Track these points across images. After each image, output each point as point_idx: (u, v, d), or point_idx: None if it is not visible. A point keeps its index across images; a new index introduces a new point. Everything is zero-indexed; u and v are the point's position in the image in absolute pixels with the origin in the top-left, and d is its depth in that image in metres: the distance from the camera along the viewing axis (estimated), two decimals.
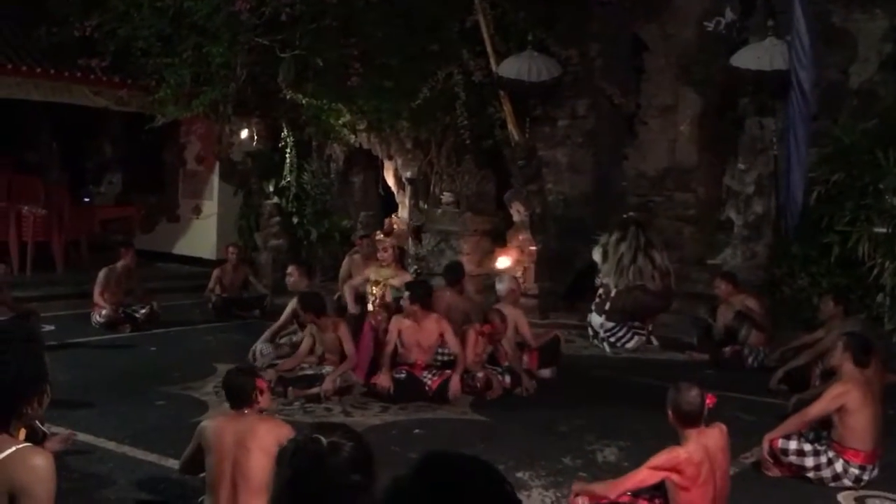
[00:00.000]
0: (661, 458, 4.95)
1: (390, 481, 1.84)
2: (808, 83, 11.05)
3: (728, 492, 5.12)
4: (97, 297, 11.03)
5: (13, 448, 2.63)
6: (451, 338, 8.54)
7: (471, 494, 1.79)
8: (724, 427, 5.10)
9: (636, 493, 5.15)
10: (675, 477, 4.89)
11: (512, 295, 9.52)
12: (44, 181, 14.64)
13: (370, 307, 9.52)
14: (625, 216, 11.82)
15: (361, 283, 10.05)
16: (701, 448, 4.88)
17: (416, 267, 12.96)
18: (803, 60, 10.99)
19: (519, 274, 12.32)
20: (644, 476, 5.01)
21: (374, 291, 9.74)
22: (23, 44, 13.08)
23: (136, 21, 12.62)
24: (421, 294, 8.53)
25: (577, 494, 5.24)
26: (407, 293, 8.56)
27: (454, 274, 9.99)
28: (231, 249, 12.66)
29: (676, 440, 5.02)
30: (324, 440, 2.26)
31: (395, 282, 9.61)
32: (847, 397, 6.24)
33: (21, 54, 12.88)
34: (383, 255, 9.95)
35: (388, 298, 9.57)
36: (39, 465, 2.62)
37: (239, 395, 4.97)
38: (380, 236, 13.27)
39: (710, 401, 4.92)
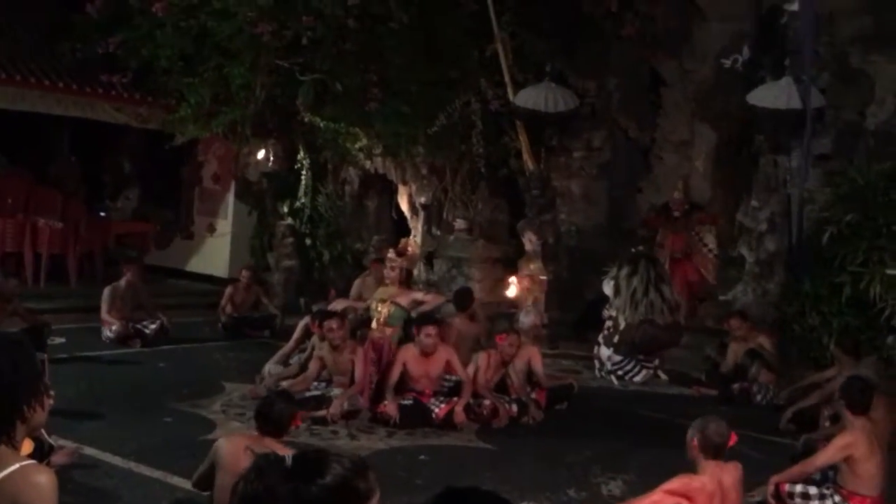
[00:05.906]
0: (675, 483, 4.96)
1: None
2: (809, 120, 11.14)
3: None
4: (105, 315, 11.04)
5: (16, 465, 2.62)
6: (457, 365, 8.54)
7: None
8: (739, 465, 5.11)
9: None
10: None
11: (534, 329, 9.42)
12: (62, 194, 14.75)
13: (374, 325, 9.12)
14: (633, 250, 11.82)
15: (366, 306, 9.63)
16: (715, 481, 4.91)
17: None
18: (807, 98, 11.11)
19: (529, 303, 12.31)
20: (657, 499, 5.01)
21: (380, 310, 9.18)
22: (47, 59, 13.23)
23: (159, 40, 12.75)
24: (438, 329, 8.46)
25: None
26: (429, 327, 8.37)
27: (464, 299, 9.99)
28: (244, 273, 12.68)
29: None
30: (289, 465, 1.99)
31: (403, 300, 9.13)
32: (854, 448, 6.16)
33: (45, 69, 13.03)
34: (390, 273, 9.40)
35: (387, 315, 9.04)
36: (42, 483, 2.61)
37: (275, 424, 4.92)
38: (391, 254, 13.07)
39: (732, 439, 5.00)
